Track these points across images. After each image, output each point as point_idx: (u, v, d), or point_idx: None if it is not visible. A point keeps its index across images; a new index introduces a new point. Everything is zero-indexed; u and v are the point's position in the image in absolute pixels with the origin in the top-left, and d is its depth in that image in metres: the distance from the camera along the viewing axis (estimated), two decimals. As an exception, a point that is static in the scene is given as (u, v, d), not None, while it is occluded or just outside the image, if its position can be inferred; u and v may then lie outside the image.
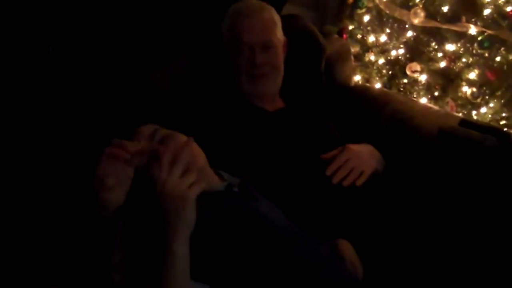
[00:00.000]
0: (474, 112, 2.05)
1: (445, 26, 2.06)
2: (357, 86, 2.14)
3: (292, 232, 1.18)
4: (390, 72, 2.29)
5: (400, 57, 2.26)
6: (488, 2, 1.94)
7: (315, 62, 1.94)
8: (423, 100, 2.12)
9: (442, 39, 2.12)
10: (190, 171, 1.03)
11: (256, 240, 1.09)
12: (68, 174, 1.46)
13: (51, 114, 1.63)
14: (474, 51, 2.03)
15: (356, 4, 2.32)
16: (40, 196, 1.39)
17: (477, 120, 1.96)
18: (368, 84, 2.27)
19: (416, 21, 2.10)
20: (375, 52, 2.32)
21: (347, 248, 1.25)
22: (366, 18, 2.35)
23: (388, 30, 2.28)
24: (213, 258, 1.06)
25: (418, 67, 2.18)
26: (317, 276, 1.07)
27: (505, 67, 1.98)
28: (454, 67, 2.11)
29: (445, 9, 2.07)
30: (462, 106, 2.07)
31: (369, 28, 2.34)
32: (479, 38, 1.98)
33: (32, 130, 1.60)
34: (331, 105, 1.84)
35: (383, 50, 2.30)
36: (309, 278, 1.06)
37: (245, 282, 1.04)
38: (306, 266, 1.07)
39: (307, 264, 1.08)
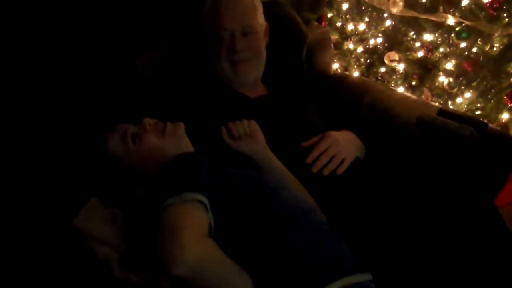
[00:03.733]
0: (450, 102, 2.09)
1: (423, 16, 2.07)
2: (336, 74, 2.14)
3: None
4: (368, 61, 2.31)
5: (378, 46, 2.28)
6: (466, -7, 1.96)
7: (296, 49, 1.93)
8: (401, 89, 2.14)
9: (420, 29, 2.14)
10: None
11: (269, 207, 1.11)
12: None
13: (28, 102, 1.58)
14: (451, 42, 2.05)
15: (335, -9, 2.33)
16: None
17: (454, 110, 1.99)
18: (347, 73, 2.28)
19: (394, 10, 2.11)
20: (354, 41, 2.33)
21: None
22: (345, 6, 2.35)
23: (367, 19, 2.29)
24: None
25: (396, 56, 2.20)
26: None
27: (481, 58, 2.01)
28: (432, 57, 2.13)
29: (423, -1, 2.08)
30: (439, 96, 2.10)
31: (348, 16, 2.35)
32: (457, 29, 2.00)
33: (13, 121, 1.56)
34: (311, 92, 1.83)
35: (361, 38, 2.32)
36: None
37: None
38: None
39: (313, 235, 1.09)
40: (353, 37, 2.34)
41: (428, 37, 2.11)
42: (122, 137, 1.26)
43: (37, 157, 1.45)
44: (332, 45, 2.15)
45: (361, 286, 0.99)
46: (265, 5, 1.70)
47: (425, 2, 2.08)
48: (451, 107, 2.06)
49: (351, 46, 2.33)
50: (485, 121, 1.68)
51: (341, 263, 1.03)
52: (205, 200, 1.01)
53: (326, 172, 1.42)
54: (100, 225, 1.18)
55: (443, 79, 2.09)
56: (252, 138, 1.36)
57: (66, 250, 1.18)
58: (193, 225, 0.96)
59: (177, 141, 1.28)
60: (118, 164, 1.26)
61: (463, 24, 1.96)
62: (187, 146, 1.31)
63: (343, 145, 1.47)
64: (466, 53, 2.04)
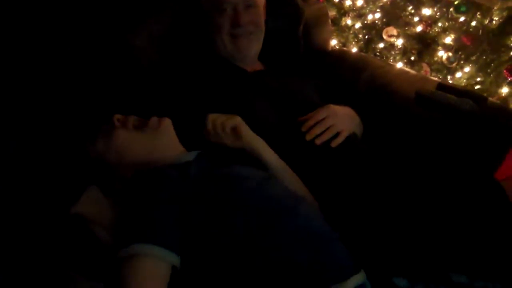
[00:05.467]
0: (449, 77, 2.07)
1: (421, -10, 2.06)
2: (334, 51, 2.12)
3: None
4: (366, 37, 2.28)
5: (376, 22, 2.26)
6: (465, -34, 1.94)
7: (293, 25, 1.91)
8: (399, 65, 2.12)
9: (418, 4, 2.13)
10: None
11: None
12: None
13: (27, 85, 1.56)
14: (450, 16, 2.04)
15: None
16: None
17: (454, 84, 1.98)
18: (345, 49, 2.26)
19: (392, -16, 2.09)
20: (351, 16, 2.31)
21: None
22: (342, -19, 2.33)
23: (365, -6, 2.27)
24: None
25: (394, 31, 2.18)
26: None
27: (480, 31, 2.00)
28: (431, 32, 2.12)
29: (422, -27, 2.06)
30: (438, 71, 2.09)
31: (345, -9, 2.33)
32: (456, 3, 1.99)
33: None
34: (309, 68, 1.82)
35: (359, 14, 2.29)
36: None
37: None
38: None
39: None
40: (351, 12, 2.31)
41: (426, 11, 2.09)
42: (93, 137, 1.23)
43: (33, 147, 1.43)
44: (329, 21, 2.12)
45: None
46: (262, -20, 1.68)
47: (423, -24, 2.06)
48: (450, 81, 2.05)
49: (349, 21, 2.31)
50: (485, 95, 1.67)
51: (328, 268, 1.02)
52: (160, 251, 0.96)
53: (318, 141, 1.40)
54: (101, 211, 1.18)
55: (442, 54, 2.08)
56: (234, 134, 1.28)
57: (68, 236, 1.17)
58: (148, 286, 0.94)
59: (155, 138, 1.21)
60: (97, 162, 1.24)
61: (462, -2, 1.95)
62: (167, 145, 1.23)
63: (340, 118, 1.46)
64: (465, 27, 2.03)
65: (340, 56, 2.03)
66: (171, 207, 1.02)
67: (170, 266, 0.98)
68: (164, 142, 1.23)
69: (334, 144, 1.42)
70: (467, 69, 2.02)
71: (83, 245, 1.13)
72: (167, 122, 1.24)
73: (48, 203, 1.22)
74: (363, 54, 2.19)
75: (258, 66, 1.70)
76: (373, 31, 2.26)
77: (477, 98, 1.52)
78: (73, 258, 1.12)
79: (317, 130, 1.41)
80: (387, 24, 2.21)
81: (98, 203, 1.18)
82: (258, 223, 1.03)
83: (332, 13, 2.33)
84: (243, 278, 1.01)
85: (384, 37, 2.20)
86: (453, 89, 1.58)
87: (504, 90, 1.98)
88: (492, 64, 2.01)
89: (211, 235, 1.02)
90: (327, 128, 1.42)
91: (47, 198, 1.24)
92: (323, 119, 1.43)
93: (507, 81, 1.96)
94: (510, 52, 1.97)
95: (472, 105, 1.48)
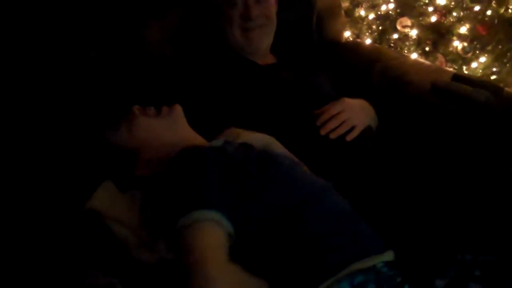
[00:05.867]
0: (464, 67, 2.05)
1: (436, -20, 2.03)
2: (348, 42, 2.11)
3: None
4: (380, 28, 2.26)
5: (390, 12, 2.23)
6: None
7: (306, 16, 1.90)
8: (414, 56, 2.10)
9: (432, -7, 2.10)
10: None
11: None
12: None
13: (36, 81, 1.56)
14: (465, 5, 2.02)
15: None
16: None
17: (469, 74, 1.95)
18: (358, 40, 2.24)
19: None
20: (365, 7, 2.29)
21: None
22: (355, -29, 2.31)
23: (377, -16, 2.25)
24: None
25: (408, 22, 2.16)
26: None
27: (496, 21, 1.98)
28: (445, 22, 2.09)
29: (436, -38, 2.04)
30: (453, 61, 2.07)
31: (358, -19, 2.30)
32: (471, -8, 1.96)
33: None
34: (322, 61, 1.81)
35: (373, 5, 2.27)
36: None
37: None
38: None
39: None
40: (364, 3, 2.29)
41: (441, 1, 2.07)
42: (115, 126, 1.29)
43: (47, 143, 1.44)
44: (343, 12, 2.11)
45: (367, 273, 0.97)
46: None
47: (437, -35, 2.04)
48: (465, 72, 2.03)
49: (362, 12, 2.29)
50: (501, 85, 1.64)
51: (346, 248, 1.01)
52: (218, 216, 0.97)
53: (333, 135, 1.40)
54: (115, 205, 1.18)
55: (457, 44, 2.06)
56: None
57: (83, 231, 1.18)
58: (213, 253, 0.93)
59: (173, 122, 1.29)
60: (116, 150, 1.29)
61: (477, -14, 1.93)
62: (183, 128, 1.31)
63: (355, 112, 1.46)
64: (480, 16, 2.01)
65: (354, 47, 2.02)
66: (219, 176, 1.04)
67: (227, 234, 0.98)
68: (181, 126, 1.30)
69: (349, 138, 1.41)
70: (482, 59, 2.00)
71: (99, 241, 1.14)
72: (178, 108, 1.31)
73: (63, 198, 1.24)
74: (377, 45, 2.17)
75: (270, 59, 1.69)
76: (387, 22, 2.24)
77: (493, 89, 1.50)
78: (89, 253, 1.13)
79: (331, 125, 1.41)
80: (401, 15, 2.19)
81: (113, 198, 1.19)
82: (291, 198, 1.05)
83: (345, 4, 2.30)
84: (270, 252, 1.01)
85: (398, 27, 2.18)
86: (469, 80, 1.57)
87: (521, 79, 1.96)
88: (508, 54, 1.99)
89: (245, 207, 1.02)
90: (342, 122, 1.42)
91: (62, 193, 1.25)
92: (338, 113, 1.42)
93: (524, 71, 1.94)
94: (526, 41, 1.95)
95: (488, 96, 1.46)
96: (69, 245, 1.14)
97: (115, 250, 1.13)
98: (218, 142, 1.23)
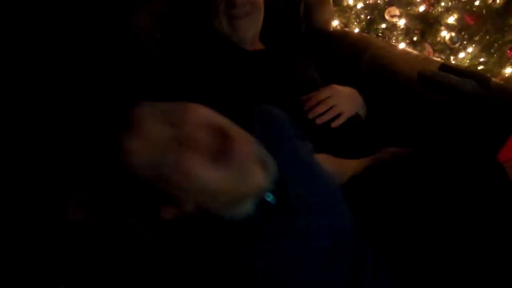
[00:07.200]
0: (452, 57, 2.05)
1: (424, -31, 2.03)
2: (335, 31, 2.10)
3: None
4: (368, 17, 2.25)
5: (379, 2, 2.22)
6: None
7: (293, 5, 1.89)
8: (402, 45, 2.09)
9: (421, -17, 2.09)
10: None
11: None
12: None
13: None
14: (453, -5, 2.01)
15: None
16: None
17: (456, 64, 1.95)
18: (347, 29, 2.23)
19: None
20: (353, -4, 2.27)
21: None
22: (344, -41, 2.29)
23: (366, -27, 2.23)
24: None
25: (397, 11, 2.15)
26: None
27: (484, 11, 1.97)
28: (433, 11, 2.09)
29: (425, -49, 2.03)
30: (441, 51, 2.07)
31: (347, -30, 2.29)
32: (459, -19, 1.96)
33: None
34: (311, 50, 1.80)
35: (361, -6, 2.26)
36: None
37: None
38: None
39: None
40: (353, -8, 2.28)
41: (429, -10, 2.06)
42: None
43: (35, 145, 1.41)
44: (331, 1, 2.09)
45: None
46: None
47: (425, -46, 2.03)
48: (453, 62, 2.03)
49: (350, 2, 2.27)
50: (488, 76, 1.64)
51: None
52: None
53: (319, 121, 1.39)
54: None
55: (445, 34, 2.05)
56: None
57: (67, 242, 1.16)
58: None
59: (240, 174, 0.84)
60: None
61: (465, -24, 1.92)
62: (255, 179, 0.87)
63: (344, 99, 1.45)
64: (468, 6, 2.00)
65: (342, 36, 2.01)
66: None
67: None
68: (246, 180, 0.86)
69: (335, 124, 1.41)
70: (470, 49, 2.00)
71: (82, 251, 1.13)
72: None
73: (47, 205, 1.22)
74: (365, 34, 2.16)
75: (258, 46, 1.68)
76: (375, 11, 2.23)
77: (480, 79, 1.50)
78: (72, 264, 1.12)
79: (319, 109, 1.40)
80: (390, 4, 2.18)
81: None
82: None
83: (334, -7, 2.29)
84: None
85: (387, 17, 2.17)
86: (456, 70, 1.56)
87: (508, 70, 1.96)
88: (496, 44, 1.99)
89: None
90: (330, 108, 1.41)
91: (46, 200, 1.23)
92: (326, 98, 1.41)
93: (511, 61, 1.94)
94: (514, 32, 1.95)
95: (474, 86, 1.46)
96: (53, 256, 1.13)
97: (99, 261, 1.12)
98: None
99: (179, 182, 0.79)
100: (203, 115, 0.86)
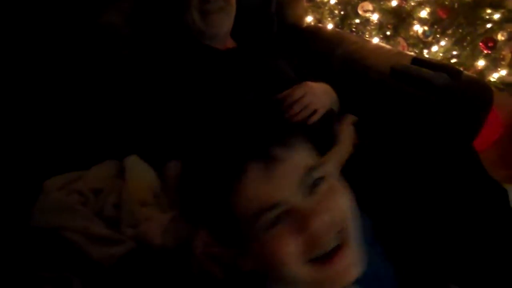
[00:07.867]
0: (425, 51, 2.06)
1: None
2: (309, 27, 2.09)
3: None
4: (342, 12, 2.25)
5: (352, -4, 2.22)
6: None
7: (266, 1, 1.87)
8: (375, 40, 2.10)
9: (393, -23, 2.09)
10: None
11: None
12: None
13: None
14: (425, -11, 2.02)
15: None
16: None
17: (429, 58, 1.96)
18: (320, 25, 2.23)
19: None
20: (327, -8, 2.27)
21: None
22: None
23: (339, -32, 2.23)
24: None
25: (370, 6, 2.15)
26: None
27: (456, 5, 1.98)
28: (406, 6, 2.09)
29: None
30: (414, 45, 2.08)
31: (320, -34, 2.28)
32: (430, -25, 1.96)
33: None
34: (283, 46, 1.79)
35: (334, -11, 2.26)
36: None
37: None
38: None
39: None
40: (326, -12, 2.28)
41: (401, -15, 2.06)
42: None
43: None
44: (304, -4, 2.10)
45: None
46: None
47: None
48: (426, 56, 2.04)
49: (324, -3, 2.27)
50: (460, 68, 1.65)
51: None
52: None
53: (295, 119, 1.40)
54: (58, 213, 1.14)
55: (418, 28, 2.06)
56: None
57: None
58: None
59: None
60: None
61: (437, -30, 1.93)
62: None
63: (318, 96, 1.46)
64: (440, 0, 2.00)
65: (315, 32, 2.01)
66: None
67: None
68: None
69: (310, 122, 1.42)
70: (443, 42, 2.01)
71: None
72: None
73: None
74: (338, 30, 2.16)
75: (230, 43, 1.66)
76: (349, 7, 2.23)
77: (452, 72, 1.50)
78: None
79: (295, 109, 1.41)
80: (363, -1, 2.18)
81: (54, 206, 1.15)
82: None
83: (307, -12, 2.29)
84: None
85: (360, 12, 2.17)
86: (428, 63, 1.56)
87: (480, 63, 1.98)
88: (468, 37, 2.00)
89: None
90: (305, 106, 1.42)
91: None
92: (300, 98, 1.42)
93: (483, 54, 1.96)
94: (485, 25, 1.96)
95: (446, 78, 1.46)
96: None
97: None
98: None
99: None
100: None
